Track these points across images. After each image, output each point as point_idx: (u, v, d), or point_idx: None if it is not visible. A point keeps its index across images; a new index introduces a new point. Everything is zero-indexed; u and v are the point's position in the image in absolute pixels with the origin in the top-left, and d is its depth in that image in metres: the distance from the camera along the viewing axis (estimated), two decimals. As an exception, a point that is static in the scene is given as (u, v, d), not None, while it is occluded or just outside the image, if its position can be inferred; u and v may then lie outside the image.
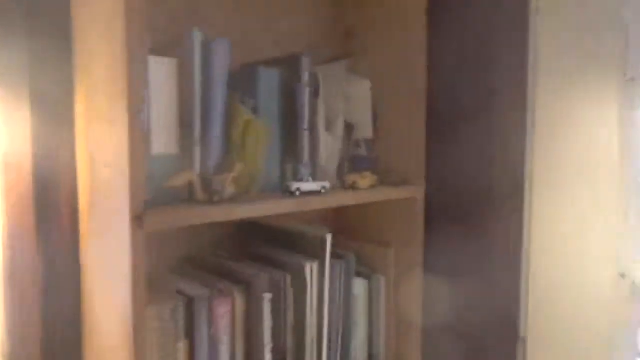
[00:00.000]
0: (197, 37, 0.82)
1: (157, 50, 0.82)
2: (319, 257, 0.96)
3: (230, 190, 0.83)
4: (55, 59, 0.85)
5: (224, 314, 0.86)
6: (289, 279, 0.93)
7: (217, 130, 0.86)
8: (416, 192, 1.10)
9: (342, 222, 1.30)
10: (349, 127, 1.12)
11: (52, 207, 0.85)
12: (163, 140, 0.81)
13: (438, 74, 1.15)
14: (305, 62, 0.98)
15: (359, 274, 1.13)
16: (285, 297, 0.93)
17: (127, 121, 0.67)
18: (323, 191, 0.94)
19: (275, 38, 1.20)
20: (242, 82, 0.99)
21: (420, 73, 1.10)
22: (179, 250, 1.02)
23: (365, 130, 1.16)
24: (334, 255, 1.05)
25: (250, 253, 1.04)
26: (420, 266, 1.13)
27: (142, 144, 0.70)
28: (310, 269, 0.94)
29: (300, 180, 0.92)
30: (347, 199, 0.96)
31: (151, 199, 0.76)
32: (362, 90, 1.15)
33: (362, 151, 1.17)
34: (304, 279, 0.94)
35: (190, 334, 0.83)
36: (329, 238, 0.95)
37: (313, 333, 0.96)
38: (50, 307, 0.86)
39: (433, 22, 1.12)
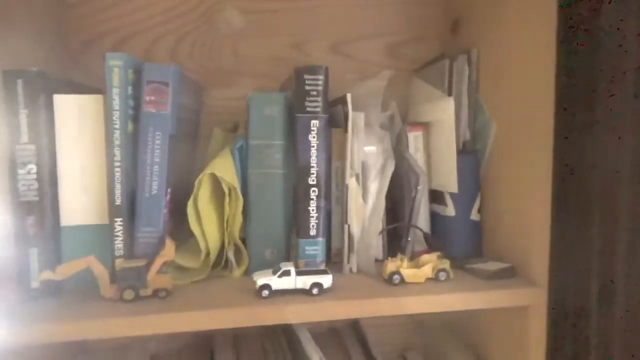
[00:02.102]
0: (114, 61, 0.58)
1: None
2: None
3: (159, 282, 0.57)
4: None
5: None
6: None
7: (152, 189, 0.60)
8: (530, 298, 0.62)
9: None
10: (412, 175, 0.70)
11: None
12: (81, 207, 0.60)
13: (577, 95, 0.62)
14: (313, 81, 0.63)
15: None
16: None
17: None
18: (315, 292, 0.58)
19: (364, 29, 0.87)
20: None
21: (547, 91, 0.61)
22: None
23: (445, 179, 0.72)
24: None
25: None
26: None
27: None
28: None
29: (277, 272, 0.58)
30: (359, 308, 0.57)
31: (43, 288, 0.57)
32: (442, 112, 0.71)
33: (448, 210, 0.73)
34: None
35: None
36: (319, 369, 0.59)
37: None
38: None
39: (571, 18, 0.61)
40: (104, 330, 0.51)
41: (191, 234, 0.64)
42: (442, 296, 0.59)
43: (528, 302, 0.61)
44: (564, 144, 0.63)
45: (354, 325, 0.83)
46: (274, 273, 0.58)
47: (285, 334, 0.76)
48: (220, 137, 0.75)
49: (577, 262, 0.63)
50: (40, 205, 0.57)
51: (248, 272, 0.66)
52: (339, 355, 0.76)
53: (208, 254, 0.63)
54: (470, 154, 0.73)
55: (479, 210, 0.74)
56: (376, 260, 0.69)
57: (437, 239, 0.73)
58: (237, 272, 0.65)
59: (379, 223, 0.69)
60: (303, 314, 0.56)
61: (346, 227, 0.66)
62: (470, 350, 0.77)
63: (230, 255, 0.65)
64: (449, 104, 0.69)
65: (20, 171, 0.56)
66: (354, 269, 0.67)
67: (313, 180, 0.64)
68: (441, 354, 0.82)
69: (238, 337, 0.81)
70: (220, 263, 0.66)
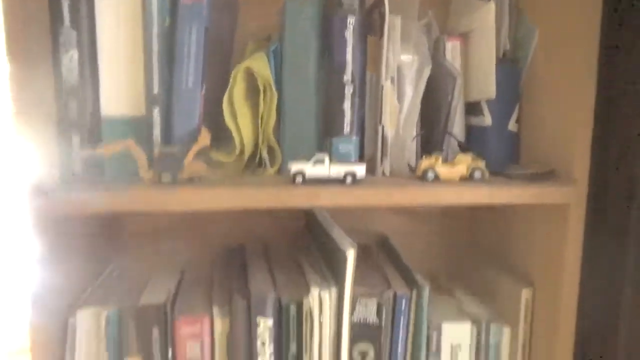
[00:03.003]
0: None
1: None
2: (341, 280, 0.61)
3: (195, 168, 0.58)
4: None
5: (192, 335, 0.63)
6: (292, 307, 0.63)
7: (188, 82, 0.61)
8: (570, 196, 0.61)
9: (454, 228, 0.87)
10: (449, 78, 0.69)
11: None
12: (119, 97, 0.61)
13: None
14: (349, -24, 0.62)
15: (459, 314, 0.71)
16: (278, 331, 0.63)
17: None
18: (349, 180, 0.58)
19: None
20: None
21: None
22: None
23: (482, 85, 0.70)
24: (402, 274, 0.68)
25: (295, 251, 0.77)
26: (571, 322, 0.64)
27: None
28: (319, 298, 0.61)
29: (311, 160, 0.59)
30: (392, 196, 0.57)
31: (85, 172, 0.59)
32: (482, 19, 0.69)
33: (485, 120, 0.72)
34: (308, 312, 0.61)
35: (143, 349, 0.63)
36: (350, 255, 0.59)
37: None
38: None
39: None
40: (142, 202, 0.53)
41: (226, 136, 0.65)
42: (478, 188, 0.58)
43: (567, 199, 0.60)
44: (610, 48, 0.61)
45: (385, 243, 0.83)
46: (309, 161, 0.58)
47: (319, 248, 0.77)
48: (254, 48, 0.75)
49: (619, 162, 0.61)
50: (82, 91, 0.59)
51: (281, 172, 0.66)
52: (370, 269, 0.75)
53: (242, 150, 0.64)
54: (510, 62, 0.71)
55: (517, 121, 0.72)
56: (409, 167, 0.68)
57: (472, 149, 0.72)
58: (271, 170, 0.66)
59: (413, 128, 0.68)
60: (337, 198, 0.56)
61: (380, 128, 0.66)
62: (501, 266, 0.76)
63: (264, 153, 0.65)
64: (490, 9, 0.67)
65: (63, 56, 0.57)
66: (387, 172, 0.67)
67: (348, 78, 0.63)
68: (471, 272, 0.81)
69: (269, 249, 0.82)
70: (254, 162, 0.66)
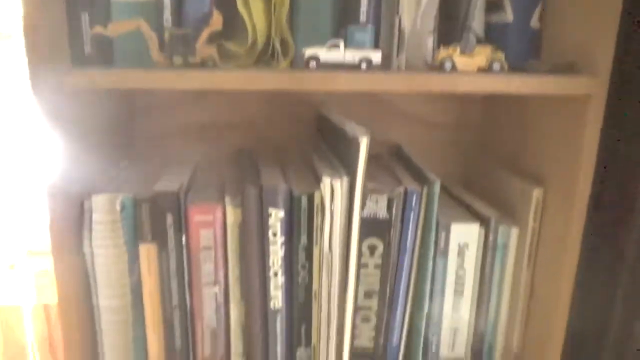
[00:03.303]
0: None
1: None
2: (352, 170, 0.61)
3: (207, 52, 0.57)
4: None
5: (205, 224, 0.64)
6: (303, 199, 0.63)
7: (199, -39, 0.58)
8: (591, 87, 0.59)
9: (467, 137, 0.86)
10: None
11: None
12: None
13: None
14: None
15: (469, 216, 0.72)
16: (289, 223, 0.64)
17: None
18: (364, 66, 0.57)
19: None
20: None
21: None
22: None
23: (506, -24, 0.67)
24: (414, 175, 0.68)
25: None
26: (581, 220, 0.64)
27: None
28: (330, 187, 0.61)
29: (326, 45, 0.57)
30: (408, 81, 0.56)
31: (95, 53, 0.58)
32: None
33: (507, 16, 0.69)
34: (319, 204, 0.62)
35: (157, 236, 0.64)
36: (363, 142, 0.59)
37: (332, 297, 0.65)
38: None
39: None
40: (153, 80, 0.52)
41: (239, 26, 0.63)
42: (496, 77, 0.57)
43: (588, 90, 0.58)
44: None
45: (398, 150, 0.83)
46: (323, 46, 0.57)
47: (332, 146, 0.76)
48: None
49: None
50: (89, -33, 0.56)
51: (293, 65, 0.65)
52: (382, 170, 0.75)
53: (255, 40, 0.62)
54: (536, -48, 0.67)
55: (539, 19, 0.69)
56: (425, 62, 0.67)
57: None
58: (284, 63, 0.64)
59: (430, 22, 0.65)
60: (352, 83, 0.55)
61: (397, 19, 0.63)
62: (514, 169, 0.76)
63: (277, 44, 0.63)
64: None
65: None
66: (402, 66, 0.65)
67: (365, -39, 0.60)
68: (483, 178, 0.81)
69: (281, 152, 0.82)
70: (266, 55, 0.65)
